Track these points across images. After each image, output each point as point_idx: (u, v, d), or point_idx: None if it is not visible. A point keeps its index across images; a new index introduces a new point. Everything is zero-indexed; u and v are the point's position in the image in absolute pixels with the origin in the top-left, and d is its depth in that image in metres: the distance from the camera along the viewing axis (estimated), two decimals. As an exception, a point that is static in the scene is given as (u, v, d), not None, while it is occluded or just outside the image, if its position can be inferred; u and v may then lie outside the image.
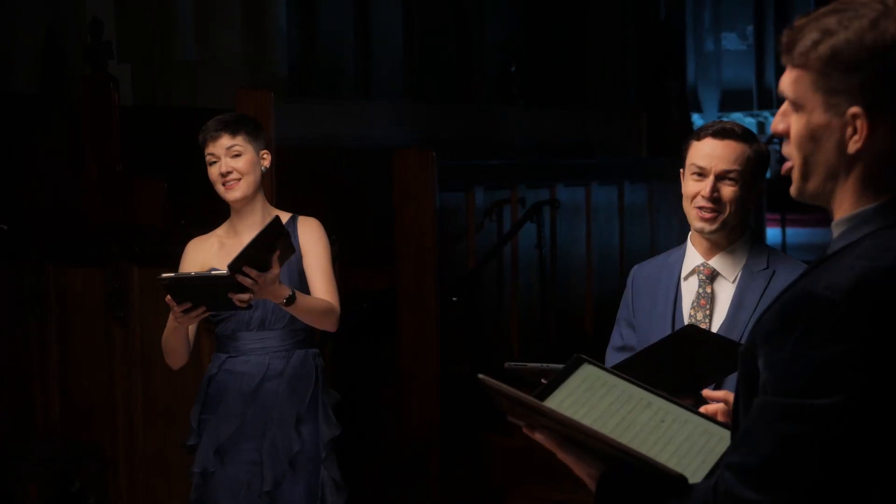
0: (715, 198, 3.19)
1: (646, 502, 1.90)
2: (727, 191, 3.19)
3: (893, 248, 1.75)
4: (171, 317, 3.96)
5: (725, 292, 3.24)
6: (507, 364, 3.11)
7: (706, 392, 2.35)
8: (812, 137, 1.81)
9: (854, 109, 1.77)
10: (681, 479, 1.89)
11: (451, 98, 10.79)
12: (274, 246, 3.79)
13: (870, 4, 1.78)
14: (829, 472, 1.69)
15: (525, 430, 2.01)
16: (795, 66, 1.81)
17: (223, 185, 4.14)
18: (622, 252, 8.24)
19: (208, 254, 4.23)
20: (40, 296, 5.98)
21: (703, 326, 3.21)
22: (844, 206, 1.82)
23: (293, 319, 4.15)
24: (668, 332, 3.18)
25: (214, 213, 4.37)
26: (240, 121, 4.18)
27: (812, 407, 1.68)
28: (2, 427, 5.95)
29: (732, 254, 3.25)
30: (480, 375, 1.97)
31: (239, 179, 4.12)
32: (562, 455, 1.99)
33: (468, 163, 7.48)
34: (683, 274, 3.30)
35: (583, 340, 7.54)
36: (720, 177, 3.19)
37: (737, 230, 3.25)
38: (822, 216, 1.96)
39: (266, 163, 4.20)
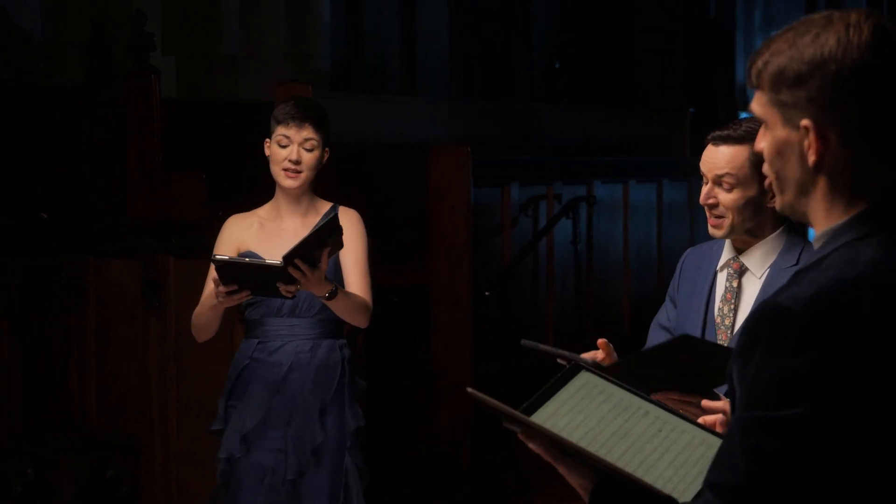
0: (711, 203, 3.17)
1: None
2: (724, 196, 3.15)
3: (861, 260, 1.75)
4: (207, 294, 4.05)
5: (752, 288, 3.21)
6: (523, 341, 3.13)
7: (705, 402, 2.33)
8: (778, 152, 1.84)
9: (804, 122, 1.80)
10: (670, 500, 1.89)
11: (496, 95, 10.76)
12: (327, 242, 3.88)
13: (817, 21, 1.83)
14: (801, 484, 1.69)
15: (520, 437, 2.02)
16: (756, 87, 1.87)
17: (284, 170, 4.19)
18: (660, 250, 8.19)
19: (246, 233, 4.27)
20: (79, 287, 6.03)
21: (727, 321, 3.20)
22: (819, 220, 1.84)
23: (323, 309, 4.18)
24: (700, 320, 3.19)
25: (254, 206, 4.39)
26: (322, 114, 4.26)
27: (778, 419, 1.68)
28: (38, 416, 6.02)
29: (763, 249, 3.21)
30: (469, 389, 1.98)
31: (302, 172, 4.18)
32: (556, 465, 2.00)
33: (503, 159, 7.47)
34: (718, 266, 3.28)
35: (620, 340, 7.50)
36: (716, 182, 3.17)
37: (762, 227, 3.20)
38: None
39: (325, 158, 4.26)
